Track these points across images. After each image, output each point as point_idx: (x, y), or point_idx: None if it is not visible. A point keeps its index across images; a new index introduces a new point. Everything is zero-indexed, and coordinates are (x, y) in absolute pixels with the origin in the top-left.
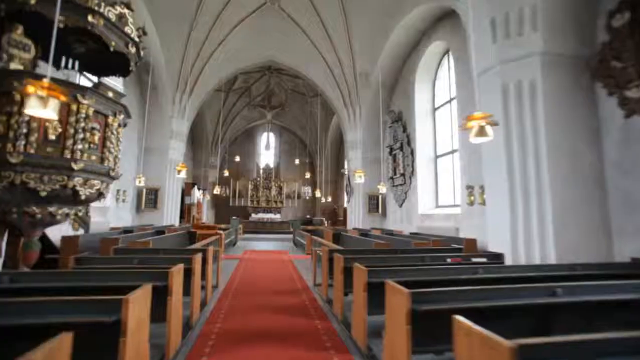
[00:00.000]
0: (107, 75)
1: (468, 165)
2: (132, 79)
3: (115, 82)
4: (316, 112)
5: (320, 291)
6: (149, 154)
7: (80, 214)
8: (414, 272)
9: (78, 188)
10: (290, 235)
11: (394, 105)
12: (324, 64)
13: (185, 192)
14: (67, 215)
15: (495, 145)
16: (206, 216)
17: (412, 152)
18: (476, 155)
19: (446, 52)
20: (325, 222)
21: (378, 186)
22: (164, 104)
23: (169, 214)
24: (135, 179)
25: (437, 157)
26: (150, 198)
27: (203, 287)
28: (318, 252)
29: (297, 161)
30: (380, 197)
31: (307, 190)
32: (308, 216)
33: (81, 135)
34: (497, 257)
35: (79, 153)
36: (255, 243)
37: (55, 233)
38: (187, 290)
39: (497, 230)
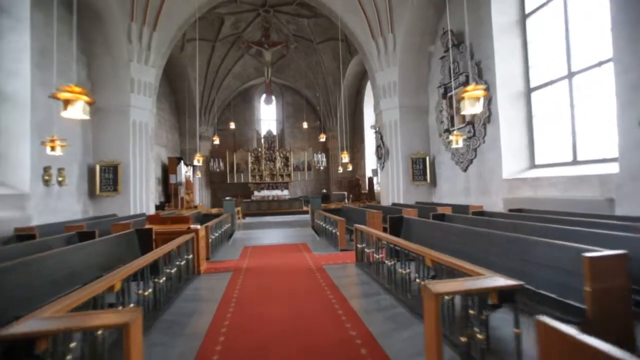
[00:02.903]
0: None
1: None
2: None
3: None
4: (326, 62)
5: None
6: (100, 117)
7: None
8: None
9: None
10: (305, 216)
11: (449, 25)
12: None
13: (170, 169)
14: None
15: None
16: (199, 197)
17: (488, 88)
18: None
19: None
20: (346, 197)
21: (451, 137)
22: (115, 42)
23: (137, 199)
24: (46, 145)
25: (530, 90)
26: (107, 178)
27: None
28: (428, 289)
29: (305, 125)
30: (427, 160)
31: (320, 158)
32: (324, 190)
33: None
34: None
35: None
36: (260, 232)
37: None
38: None
39: None
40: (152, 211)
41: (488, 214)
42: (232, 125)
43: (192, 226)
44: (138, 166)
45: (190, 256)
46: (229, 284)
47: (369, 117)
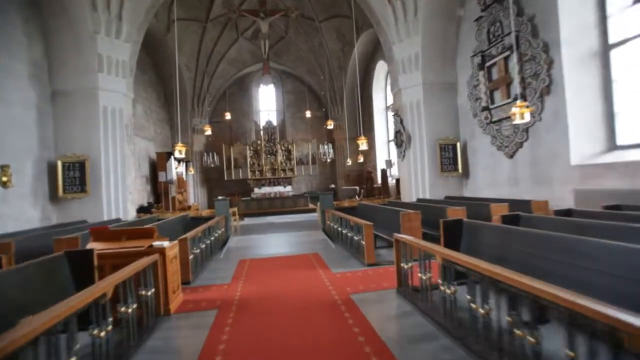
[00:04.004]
0: None
1: None
2: None
3: None
4: (329, 44)
5: None
6: (61, 102)
7: None
8: None
9: None
10: (312, 216)
11: None
12: None
13: (159, 165)
14: None
15: None
16: (194, 196)
17: (547, 49)
18: None
19: None
20: (358, 193)
21: (513, 109)
22: (76, 10)
23: (112, 201)
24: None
25: (609, 47)
26: (71, 177)
27: None
28: None
29: (308, 114)
30: (457, 146)
31: (326, 149)
32: (332, 185)
33: None
34: None
35: None
36: (260, 238)
37: None
38: None
39: None
40: (131, 215)
41: (579, 213)
42: (228, 116)
43: (156, 243)
44: (112, 161)
45: (151, 291)
46: (208, 339)
47: (378, 102)
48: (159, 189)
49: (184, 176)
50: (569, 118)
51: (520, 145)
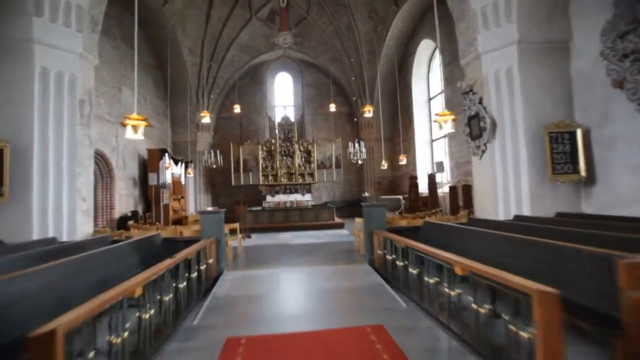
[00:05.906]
0: None
1: None
2: None
3: None
4: (359, 25)
5: None
6: None
7: None
8: None
9: None
10: (340, 233)
11: None
12: None
13: (150, 165)
14: None
15: None
16: (195, 204)
17: None
18: None
19: None
20: (402, 204)
21: None
22: None
23: (50, 210)
24: None
25: None
26: None
27: None
28: None
29: (332, 107)
30: (577, 135)
31: (357, 149)
32: (366, 194)
33: None
34: None
35: None
36: (270, 278)
37: None
38: None
39: None
40: (84, 232)
41: None
42: (237, 109)
43: None
44: (52, 152)
45: None
46: None
47: (419, 94)
48: (149, 195)
49: (182, 179)
50: None
51: None
